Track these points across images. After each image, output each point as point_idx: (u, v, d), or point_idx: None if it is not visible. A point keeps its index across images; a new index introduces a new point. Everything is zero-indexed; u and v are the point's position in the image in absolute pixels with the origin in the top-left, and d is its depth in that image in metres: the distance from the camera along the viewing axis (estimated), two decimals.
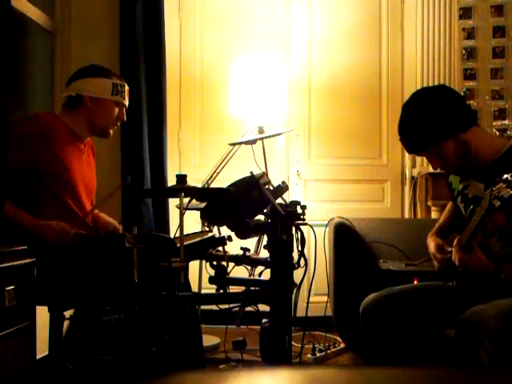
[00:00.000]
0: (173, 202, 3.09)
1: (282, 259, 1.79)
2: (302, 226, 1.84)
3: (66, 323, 1.91)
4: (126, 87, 2.29)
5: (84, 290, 1.86)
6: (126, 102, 2.31)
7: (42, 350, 1.83)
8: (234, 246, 2.00)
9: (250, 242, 1.98)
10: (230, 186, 1.86)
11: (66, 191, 2.14)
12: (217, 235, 2.04)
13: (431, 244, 2.14)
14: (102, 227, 2.33)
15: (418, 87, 2.12)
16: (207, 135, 3.75)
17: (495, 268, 1.85)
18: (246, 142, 2.79)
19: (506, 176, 1.71)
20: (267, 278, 1.83)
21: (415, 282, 2.32)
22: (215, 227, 2.10)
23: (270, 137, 2.91)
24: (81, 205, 2.21)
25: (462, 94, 3.64)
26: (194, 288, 3.15)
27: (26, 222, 2.05)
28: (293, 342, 2.04)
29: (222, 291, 1.91)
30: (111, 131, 2.31)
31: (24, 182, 2.09)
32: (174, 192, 1.84)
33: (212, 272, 1.94)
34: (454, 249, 1.90)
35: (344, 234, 2.75)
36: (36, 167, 2.08)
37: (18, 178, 2.06)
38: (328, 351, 2.96)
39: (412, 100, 2.05)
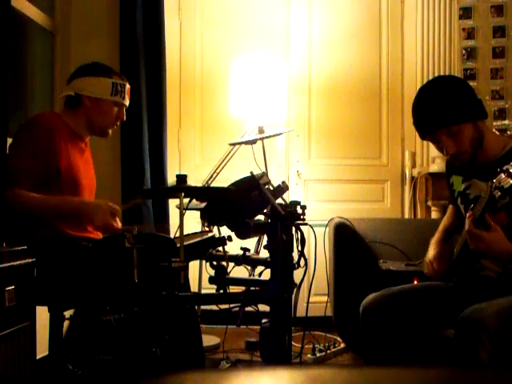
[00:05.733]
0: (173, 202, 3.09)
1: (282, 259, 1.79)
2: (302, 226, 1.84)
3: (66, 323, 1.91)
4: (127, 86, 2.26)
5: (84, 289, 1.86)
6: (127, 102, 2.28)
7: (42, 350, 1.84)
8: (234, 246, 2.00)
9: (250, 242, 1.98)
10: (229, 186, 1.86)
11: (69, 190, 2.13)
12: (217, 235, 2.04)
13: (431, 250, 2.13)
14: None
15: (418, 87, 2.10)
16: (207, 135, 3.75)
17: None
18: (246, 142, 2.80)
19: (506, 167, 1.71)
20: (267, 278, 1.83)
21: (415, 282, 2.32)
22: (215, 227, 2.10)
23: (270, 137, 2.91)
24: None
25: None
26: (194, 288, 3.15)
27: (69, 202, 2.08)
28: (293, 342, 2.04)
29: (222, 291, 1.91)
30: (110, 131, 2.30)
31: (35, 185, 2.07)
32: (174, 192, 1.83)
33: (212, 272, 1.94)
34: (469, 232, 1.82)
35: (344, 234, 2.75)
36: (44, 168, 2.07)
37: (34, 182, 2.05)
38: (328, 351, 2.96)
39: (432, 82, 2.05)
